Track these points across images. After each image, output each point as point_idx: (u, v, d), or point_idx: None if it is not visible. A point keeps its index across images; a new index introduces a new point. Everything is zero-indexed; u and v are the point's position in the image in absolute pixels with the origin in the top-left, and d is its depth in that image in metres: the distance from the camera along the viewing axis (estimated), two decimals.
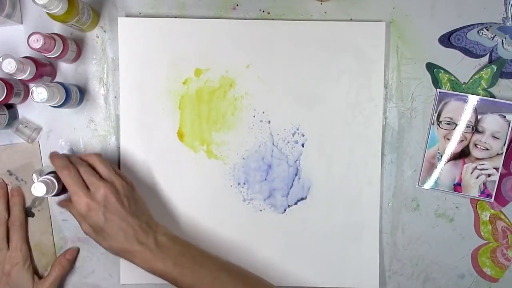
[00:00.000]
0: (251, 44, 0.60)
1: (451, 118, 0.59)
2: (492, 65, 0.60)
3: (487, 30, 0.61)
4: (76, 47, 0.59)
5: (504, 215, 0.62)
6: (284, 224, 0.61)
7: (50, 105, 0.54)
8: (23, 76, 0.53)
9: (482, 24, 0.61)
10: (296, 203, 0.61)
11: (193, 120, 0.61)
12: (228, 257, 0.61)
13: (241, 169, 0.61)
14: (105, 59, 0.61)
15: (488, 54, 0.61)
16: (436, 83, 0.61)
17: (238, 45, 0.60)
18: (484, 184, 0.60)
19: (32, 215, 0.61)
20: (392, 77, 0.62)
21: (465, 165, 0.59)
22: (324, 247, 0.61)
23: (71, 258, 0.60)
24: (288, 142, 0.61)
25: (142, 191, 0.61)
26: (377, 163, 0.61)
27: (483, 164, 0.59)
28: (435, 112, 0.59)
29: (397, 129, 0.62)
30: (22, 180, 0.61)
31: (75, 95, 0.58)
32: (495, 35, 0.61)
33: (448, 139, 0.59)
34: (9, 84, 0.55)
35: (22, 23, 0.60)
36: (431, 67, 0.61)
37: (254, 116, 0.61)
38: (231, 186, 0.61)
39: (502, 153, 0.59)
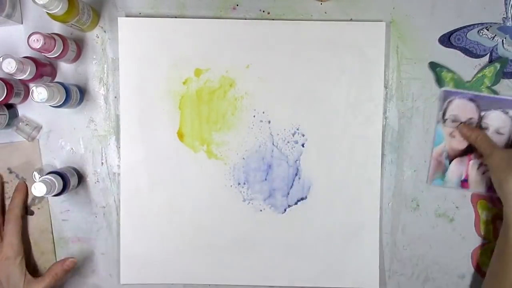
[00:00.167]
0: (251, 44, 0.60)
1: (455, 116, 0.60)
2: (495, 63, 0.60)
3: (487, 30, 0.61)
4: (76, 47, 0.59)
5: None
6: (284, 224, 0.61)
7: (50, 105, 0.54)
8: (23, 76, 0.53)
9: (482, 24, 0.61)
10: (296, 203, 0.61)
11: (193, 120, 0.61)
12: (228, 257, 0.61)
13: (241, 169, 0.61)
14: (105, 59, 0.61)
15: (488, 54, 0.61)
16: (439, 82, 0.61)
17: (238, 45, 0.60)
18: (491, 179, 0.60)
19: (32, 213, 0.61)
20: (392, 77, 0.62)
21: (471, 161, 0.60)
22: (324, 247, 0.61)
23: (68, 269, 0.58)
24: (288, 142, 0.61)
25: (142, 191, 0.61)
26: (377, 163, 0.61)
27: None
28: (440, 111, 0.60)
29: (397, 129, 0.62)
30: (22, 178, 0.61)
31: (75, 95, 0.58)
32: (495, 35, 0.61)
33: (454, 137, 0.60)
34: (9, 84, 0.55)
35: (22, 23, 0.60)
36: (434, 66, 0.61)
37: (254, 116, 0.61)
38: (231, 186, 0.61)
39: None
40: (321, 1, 0.61)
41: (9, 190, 0.61)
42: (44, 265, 0.61)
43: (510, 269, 0.53)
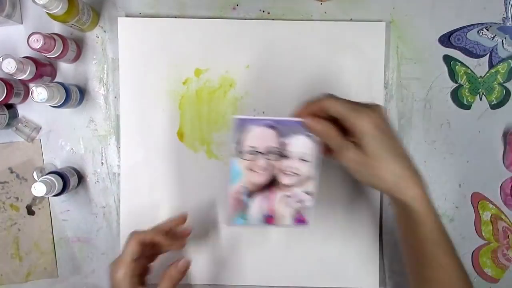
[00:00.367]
0: (251, 44, 0.60)
1: (253, 147, 0.50)
2: (509, 60, 0.60)
3: (487, 30, 0.61)
4: (76, 47, 0.59)
5: (505, 215, 0.62)
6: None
7: (50, 105, 0.54)
8: (23, 76, 0.53)
9: (482, 24, 0.61)
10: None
11: (193, 120, 0.61)
12: (228, 257, 0.61)
13: None
14: (105, 59, 0.61)
15: (488, 54, 0.61)
16: (453, 76, 0.61)
17: (238, 45, 0.60)
18: (298, 211, 0.53)
19: (32, 213, 0.61)
20: (392, 77, 0.62)
21: (274, 195, 0.52)
22: (324, 247, 0.61)
23: (184, 270, 0.51)
24: None
25: (142, 191, 0.61)
26: None
27: (293, 191, 0.52)
28: (235, 143, 0.50)
29: (397, 129, 0.62)
30: (22, 177, 0.61)
31: (75, 95, 0.58)
32: (495, 35, 0.61)
33: (253, 171, 0.51)
34: (9, 84, 0.55)
35: (22, 23, 0.60)
36: (448, 60, 0.60)
37: None
38: None
39: (313, 178, 0.52)
40: (321, 1, 0.61)
41: (9, 190, 0.61)
42: (44, 265, 0.61)
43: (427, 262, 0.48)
